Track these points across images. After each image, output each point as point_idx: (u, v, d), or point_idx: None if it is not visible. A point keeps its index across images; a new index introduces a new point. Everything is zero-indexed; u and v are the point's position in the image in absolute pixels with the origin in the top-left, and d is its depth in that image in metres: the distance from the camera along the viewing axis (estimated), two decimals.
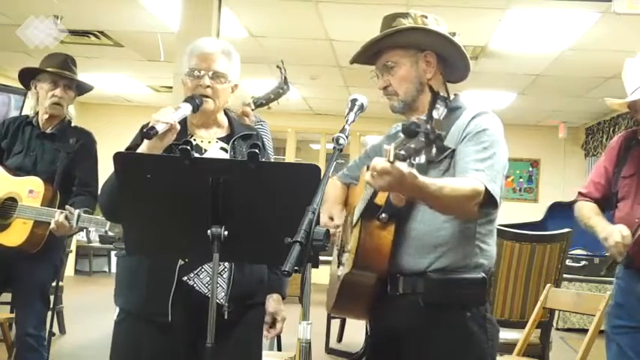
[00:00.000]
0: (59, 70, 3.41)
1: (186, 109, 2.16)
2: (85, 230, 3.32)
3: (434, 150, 1.55)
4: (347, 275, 2.06)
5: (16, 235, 3.22)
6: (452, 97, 2.17)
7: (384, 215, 1.97)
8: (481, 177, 1.91)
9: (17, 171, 3.33)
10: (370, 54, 2.17)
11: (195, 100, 2.20)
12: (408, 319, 2.04)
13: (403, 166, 1.61)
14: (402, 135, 1.60)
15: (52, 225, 3.06)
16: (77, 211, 3.03)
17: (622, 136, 2.90)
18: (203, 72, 2.23)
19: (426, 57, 2.11)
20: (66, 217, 3.02)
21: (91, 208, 3.36)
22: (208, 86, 2.22)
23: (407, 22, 2.10)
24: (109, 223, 2.92)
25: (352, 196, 2.33)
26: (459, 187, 1.87)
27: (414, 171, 1.65)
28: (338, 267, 2.26)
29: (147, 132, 2.02)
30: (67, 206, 3.09)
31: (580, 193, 2.94)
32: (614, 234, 2.59)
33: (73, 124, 3.51)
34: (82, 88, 3.60)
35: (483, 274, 2.05)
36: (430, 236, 2.01)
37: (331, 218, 2.22)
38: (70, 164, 3.35)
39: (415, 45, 2.11)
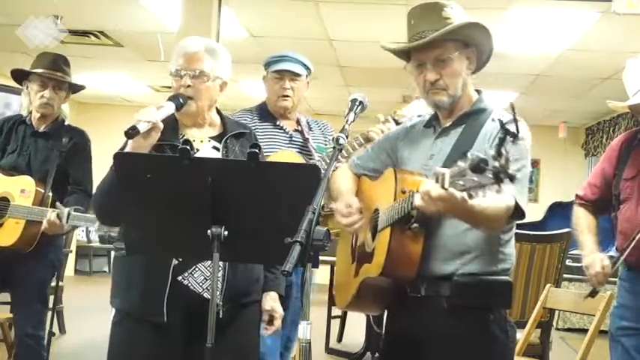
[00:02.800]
0: (48, 71, 3.39)
1: (170, 107, 2.16)
2: (85, 230, 3.38)
3: (500, 187, 1.50)
4: (371, 279, 2.04)
5: (8, 234, 3.22)
6: (475, 96, 2.16)
7: (415, 225, 1.94)
8: (512, 191, 1.89)
9: (11, 170, 3.33)
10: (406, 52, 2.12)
11: (178, 99, 2.20)
12: (430, 320, 2.02)
13: (457, 192, 1.60)
14: (461, 164, 1.56)
15: (44, 224, 3.11)
16: (67, 209, 3.09)
17: (623, 137, 2.89)
18: (185, 72, 2.23)
19: (469, 53, 2.10)
20: (57, 216, 3.08)
21: (84, 206, 3.39)
22: (189, 86, 2.22)
23: (452, 14, 2.05)
24: (98, 222, 2.93)
25: (369, 189, 2.28)
26: (497, 207, 1.86)
27: (466, 195, 1.62)
28: (352, 263, 2.24)
29: (128, 131, 2.02)
30: (57, 204, 3.14)
31: (577, 196, 2.96)
32: (595, 264, 2.67)
33: (66, 123, 3.51)
34: (74, 87, 3.58)
35: (508, 278, 2.06)
36: (456, 243, 2.00)
37: (348, 215, 2.15)
38: (63, 163, 3.35)
39: (465, 40, 2.08)
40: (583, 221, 2.89)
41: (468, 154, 1.52)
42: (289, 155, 3.18)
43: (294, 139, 3.33)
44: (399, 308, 2.12)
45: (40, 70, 3.39)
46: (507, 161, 1.48)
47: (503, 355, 2.05)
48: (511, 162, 1.49)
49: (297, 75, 3.36)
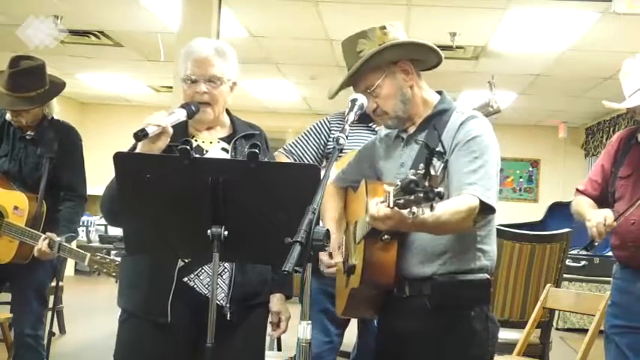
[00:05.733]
0: (11, 96, 3.19)
1: (181, 114, 2.15)
2: (85, 230, 3.32)
3: (434, 204, 1.57)
4: (355, 289, 2.10)
5: (4, 252, 3.20)
6: (437, 98, 2.18)
7: (386, 236, 1.99)
8: (475, 191, 1.94)
9: (4, 175, 3.28)
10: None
11: (190, 107, 2.18)
12: (415, 320, 2.07)
13: (403, 210, 1.65)
14: (399, 183, 1.63)
15: (35, 252, 3.08)
16: (58, 239, 3.06)
17: (620, 135, 2.90)
18: (199, 78, 2.21)
19: (401, 67, 2.11)
20: (49, 245, 3.05)
21: (80, 213, 3.38)
22: (205, 92, 2.20)
23: (368, 43, 2.09)
24: (88, 257, 2.92)
25: (353, 201, 2.33)
26: (455, 211, 1.89)
27: (409, 212, 1.66)
28: (344, 273, 2.27)
29: (136, 134, 2.01)
30: (48, 233, 3.09)
31: (578, 190, 2.96)
32: (598, 215, 2.62)
33: (54, 118, 3.38)
34: (52, 93, 3.35)
35: (487, 276, 2.09)
36: (433, 245, 2.04)
37: (330, 255, 2.26)
38: (54, 168, 3.28)
39: (388, 61, 2.10)
40: (584, 202, 2.86)
41: (408, 172, 1.61)
42: None
43: None
44: (387, 309, 2.18)
45: (8, 98, 3.20)
46: (436, 179, 1.57)
47: (484, 351, 2.08)
48: (442, 189, 1.57)
49: None
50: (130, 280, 2.24)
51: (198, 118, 2.22)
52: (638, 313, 2.70)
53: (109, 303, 2.31)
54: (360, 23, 2.19)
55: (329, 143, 3.12)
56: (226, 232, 1.84)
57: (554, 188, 10.30)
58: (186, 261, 2.16)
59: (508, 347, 3.56)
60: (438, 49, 2.14)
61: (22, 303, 3.38)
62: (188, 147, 1.87)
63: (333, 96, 2.26)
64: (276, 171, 2.04)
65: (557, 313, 5.60)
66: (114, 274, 2.80)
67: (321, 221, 2.30)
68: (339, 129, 3.12)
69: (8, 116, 3.30)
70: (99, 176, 3.40)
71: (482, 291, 2.08)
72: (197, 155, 2.09)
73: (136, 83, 9.35)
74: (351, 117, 2.17)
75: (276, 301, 2.35)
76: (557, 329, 6.70)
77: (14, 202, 3.22)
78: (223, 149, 2.28)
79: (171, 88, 6.51)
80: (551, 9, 5.35)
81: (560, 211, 6.63)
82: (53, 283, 3.58)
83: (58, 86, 3.39)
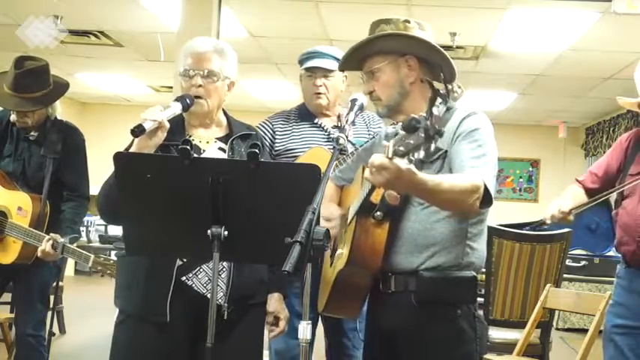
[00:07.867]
0: (17, 97, 3.21)
1: (176, 107, 2.16)
2: (85, 230, 3.31)
3: (432, 146, 1.56)
4: (341, 272, 2.08)
5: (8, 253, 3.21)
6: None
7: (378, 213, 1.99)
8: (480, 174, 1.92)
9: (8, 176, 3.29)
10: (356, 60, 2.19)
11: (185, 100, 2.19)
12: (401, 316, 2.07)
13: (401, 162, 1.63)
14: (401, 132, 1.62)
15: (39, 253, 3.08)
16: (62, 240, 3.05)
17: (633, 133, 2.90)
18: (195, 72, 2.22)
19: (407, 61, 2.11)
20: (52, 246, 3.04)
21: (82, 213, 3.39)
22: (200, 86, 2.21)
23: (389, 29, 2.10)
24: (92, 258, 2.91)
25: (346, 197, 2.34)
26: (457, 183, 1.87)
27: (413, 167, 1.66)
28: (330, 266, 2.26)
29: (133, 130, 2.01)
30: (52, 234, 3.08)
31: (576, 180, 3.03)
32: (558, 203, 2.84)
33: (57, 119, 3.38)
34: (57, 94, 3.37)
35: (474, 273, 2.08)
36: (423, 236, 2.04)
37: (329, 220, 2.27)
38: (57, 169, 3.29)
39: (396, 50, 2.11)
40: (573, 191, 2.99)
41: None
42: (319, 151, 3.06)
43: (331, 135, 3.12)
44: (373, 305, 2.18)
45: (13, 100, 3.22)
46: (437, 119, 1.55)
47: (470, 350, 2.07)
48: (443, 128, 1.57)
49: (329, 71, 3.16)
50: (127, 281, 2.24)
51: (193, 111, 2.23)
52: None
53: (108, 303, 2.31)
54: (359, 23, 2.21)
55: (275, 144, 3.08)
56: (226, 232, 1.84)
57: (554, 188, 10.27)
58: (184, 260, 2.16)
59: (508, 347, 3.56)
60: (450, 59, 2.12)
61: (25, 303, 3.39)
62: (188, 147, 1.87)
63: (341, 68, 2.37)
64: (276, 171, 2.04)
65: (557, 313, 5.60)
66: None
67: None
68: (283, 128, 3.11)
69: (13, 117, 3.31)
70: (99, 176, 3.40)
71: (468, 289, 2.08)
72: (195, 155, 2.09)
73: (136, 83, 9.36)
74: (351, 117, 2.18)
75: (274, 301, 2.34)
76: (557, 329, 6.70)
77: (18, 202, 3.23)
78: (220, 149, 2.29)
79: (171, 88, 6.51)
80: (551, 9, 5.35)
81: None
82: (53, 284, 3.58)
83: (62, 87, 3.41)
